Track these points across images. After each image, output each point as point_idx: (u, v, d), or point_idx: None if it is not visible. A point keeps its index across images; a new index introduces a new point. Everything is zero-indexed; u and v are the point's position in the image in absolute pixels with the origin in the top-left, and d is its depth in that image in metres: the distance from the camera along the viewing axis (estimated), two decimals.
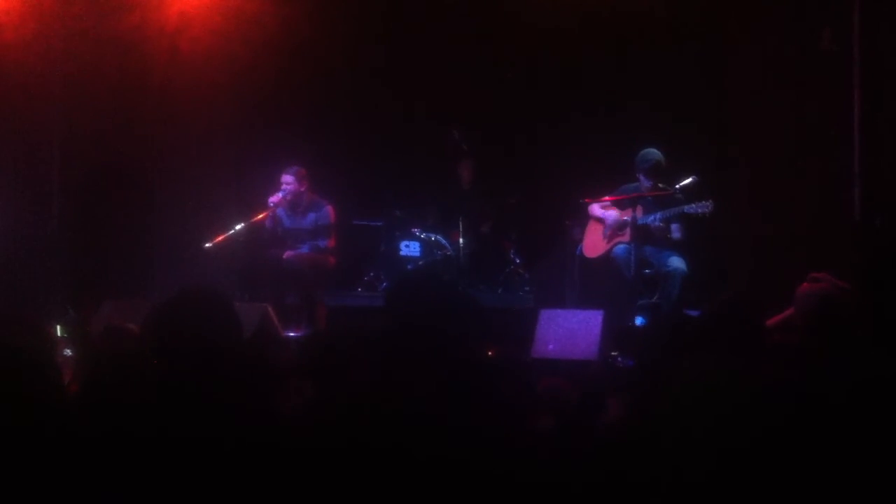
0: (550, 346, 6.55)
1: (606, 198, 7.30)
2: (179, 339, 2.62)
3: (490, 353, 3.11)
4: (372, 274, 8.67)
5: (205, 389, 2.51)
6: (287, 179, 7.60)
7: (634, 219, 6.93)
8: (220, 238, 7.40)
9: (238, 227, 7.47)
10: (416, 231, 8.56)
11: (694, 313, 3.88)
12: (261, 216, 7.59)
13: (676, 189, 7.01)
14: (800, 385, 2.41)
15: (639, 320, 6.90)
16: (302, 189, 7.64)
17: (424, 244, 8.48)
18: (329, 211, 7.71)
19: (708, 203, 6.77)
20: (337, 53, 8.58)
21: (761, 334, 3.09)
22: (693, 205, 6.82)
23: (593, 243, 7.43)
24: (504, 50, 8.68)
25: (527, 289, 8.39)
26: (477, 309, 2.68)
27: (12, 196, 7.72)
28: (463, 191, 8.86)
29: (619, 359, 6.12)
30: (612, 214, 7.27)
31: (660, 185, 7.08)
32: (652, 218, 6.93)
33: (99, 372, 2.87)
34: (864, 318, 3.41)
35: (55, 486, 2.35)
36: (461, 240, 8.49)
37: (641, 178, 7.12)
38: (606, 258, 7.25)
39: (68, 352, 5.36)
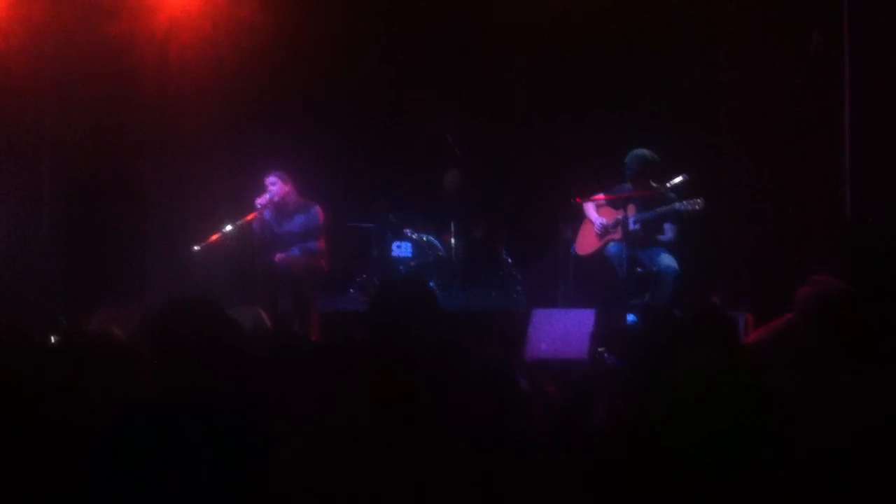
0: (544, 346, 6.58)
1: (599, 196, 7.32)
2: (176, 347, 2.63)
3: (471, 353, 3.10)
4: (364, 276, 8.67)
5: (207, 395, 2.52)
6: (272, 180, 7.58)
7: (626, 218, 6.96)
8: (210, 240, 7.41)
9: (227, 228, 7.48)
10: (408, 232, 8.55)
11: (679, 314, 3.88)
12: (249, 217, 7.59)
13: (667, 188, 7.06)
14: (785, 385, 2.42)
15: (630, 318, 6.91)
16: (287, 189, 7.63)
17: (416, 245, 8.48)
18: (318, 212, 7.68)
19: (699, 200, 6.82)
20: (328, 56, 8.59)
21: (736, 333, 3.10)
22: (684, 202, 6.86)
23: (586, 241, 7.45)
24: (498, 52, 8.69)
25: (519, 289, 8.40)
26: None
27: (3, 203, 7.71)
28: (453, 194, 8.86)
29: (607, 356, 6.12)
30: (601, 220, 7.31)
31: (653, 183, 7.11)
32: (631, 220, 6.97)
33: (86, 377, 2.88)
34: (863, 317, 3.41)
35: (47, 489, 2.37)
36: (453, 241, 8.49)
37: (629, 182, 7.15)
38: (599, 256, 7.27)
39: None
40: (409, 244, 8.47)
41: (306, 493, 2.33)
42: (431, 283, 8.09)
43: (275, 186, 7.57)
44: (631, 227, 6.98)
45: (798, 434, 2.16)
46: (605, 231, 7.26)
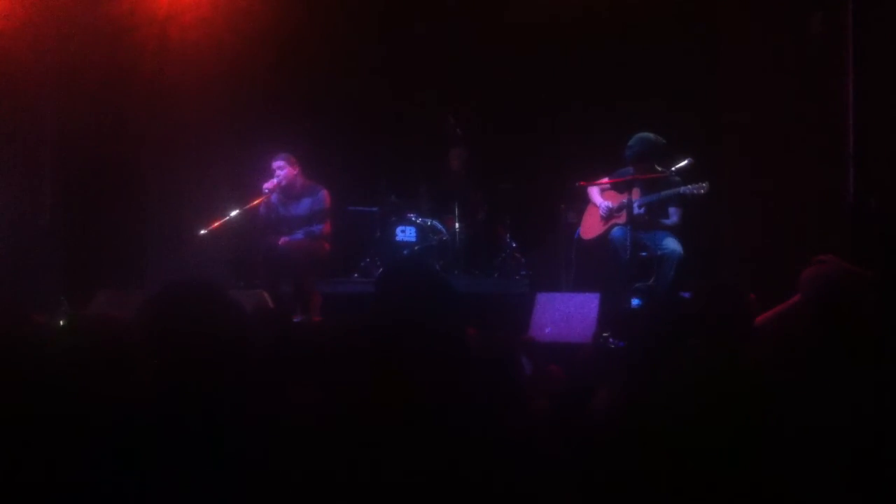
0: (547, 330, 6.58)
1: (603, 180, 7.31)
2: (174, 333, 2.61)
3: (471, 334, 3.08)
4: (368, 260, 8.67)
5: (207, 384, 2.51)
6: (279, 164, 7.60)
7: (630, 202, 6.93)
8: (216, 224, 7.41)
9: (233, 213, 7.48)
10: (412, 216, 8.55)
11: (688, 296, 3.86)
12: (256, 202, 7.59)
13: (672, 171, 7.03)
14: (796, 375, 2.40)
15: (635, 302, 6.90)
16: (294, 172, 7.64)
17: (420, 229, 8.47)
18: (324, 195, 7.69)
19: (703, 184, 6.81)
20: (330, 39, 8.56)
21: (748, 320, 3.09)
22: (689, 186, 6.85)
23: (590, 225, 7.44)
24: (501, 36, 8.66)
25: (523, 272, 8.39)
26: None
27: (5, 187, 7.71)
28: (456, 177, 8.85)
29: (611, 340, 6.11)
30: (605, 203, 7.28)
31: (657, 167, 7.08)
32: (636, 203, 6.95)
33: (90, 362, 2.87)
34: (871, 300, 3.39)
35: (51, 479, 2.36)
36: (457, 225, 8.48)
37: (631, 165, 7.13)
38: (603, 240, 7.26)
39: None
40: (413, 228, 8.46)
41: (306, 493, 2.33)
42: (437, 267, 8.10)
43: (283, 171, 7.58)
44: (635, 210, 6.96)
45: (798, 434, 2.15)
46: (609, 214, 7.24)
